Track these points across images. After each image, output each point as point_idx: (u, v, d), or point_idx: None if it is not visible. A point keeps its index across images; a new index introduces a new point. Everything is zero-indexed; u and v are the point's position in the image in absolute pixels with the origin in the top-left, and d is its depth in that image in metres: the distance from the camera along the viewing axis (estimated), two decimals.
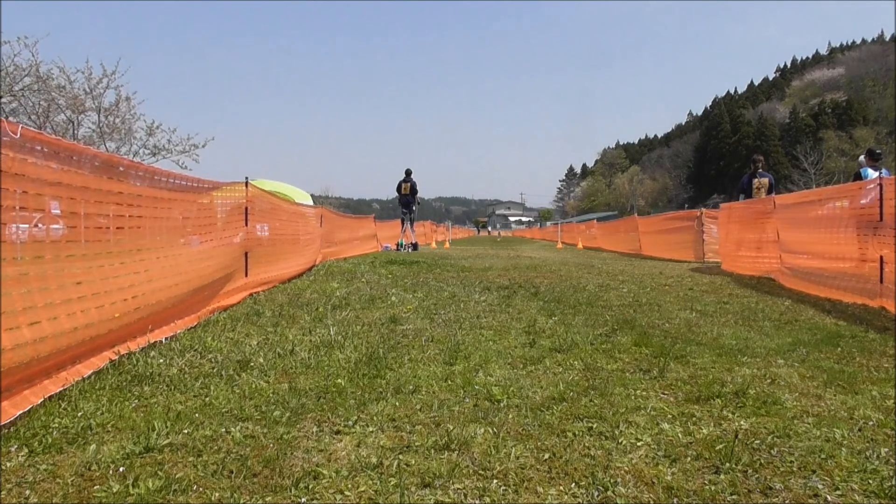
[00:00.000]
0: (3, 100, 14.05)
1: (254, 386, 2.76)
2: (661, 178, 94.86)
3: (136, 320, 3.37)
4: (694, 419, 2.31)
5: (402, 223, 15.65)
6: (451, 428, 2.18)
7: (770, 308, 5.25)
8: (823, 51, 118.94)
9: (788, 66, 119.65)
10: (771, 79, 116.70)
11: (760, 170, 10.44)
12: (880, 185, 5.36)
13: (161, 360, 3.16)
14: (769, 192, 10.13)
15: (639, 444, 2.06)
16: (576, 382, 2.83)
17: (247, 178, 6.02)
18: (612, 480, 1.77)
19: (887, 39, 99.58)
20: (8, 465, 1.89)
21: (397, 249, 15.71)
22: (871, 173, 8.02)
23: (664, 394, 2.68)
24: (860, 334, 4.00)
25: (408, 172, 15.20)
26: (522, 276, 7.97)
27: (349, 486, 1.75)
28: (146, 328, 3.52)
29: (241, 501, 1.66)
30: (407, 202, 15.06)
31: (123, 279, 3.25)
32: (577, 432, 2.17)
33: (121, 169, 3.46)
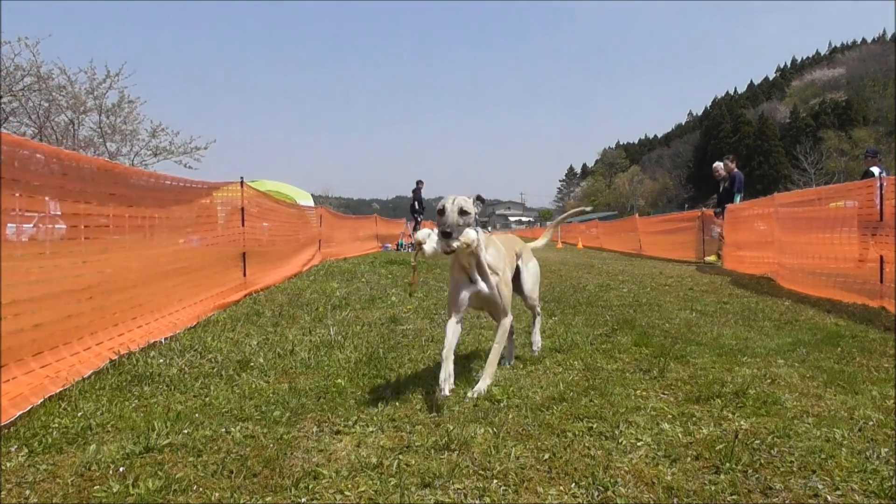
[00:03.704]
0: (4, 100, 14.04)
1: (254, 386, 2.76)
2: (661, 178, 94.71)
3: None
4: (694, 419, 2.31)
5: (415, 227, 16.58)
6: (451, 428, 2.18)
7: (770, 308, 5.24)
8: (823, 51, 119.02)
9: (788, 66, 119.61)
10: (771, 79, 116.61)
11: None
12: (880, 184, 5.36)
13: (161, 360, 3.16)
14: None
15: (639, 444, 2.06)
16: (576, 382, 2.83)
17: (241, 177, 6.02)
18: (612, 480, 1.76)
19: (888, 39, 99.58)
20: (8, 465, 1.89)
21: (397, 249, 15.75)
22: (877, 172, 8.13)
23: (664, 394, 2.68)
24: (860, 334, 4.00)
25: (416, 183, 16.80)
26: None
27: (349, 486, 1.75)
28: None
29: (241, 501, 1.66)
30: (412, 210, 17.19)
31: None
32: (577, 432, 2.17)
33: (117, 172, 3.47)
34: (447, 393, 2.42)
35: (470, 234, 2.49)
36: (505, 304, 2.75)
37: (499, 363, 2.87)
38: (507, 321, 2.79)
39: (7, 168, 2.57)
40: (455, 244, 2.45)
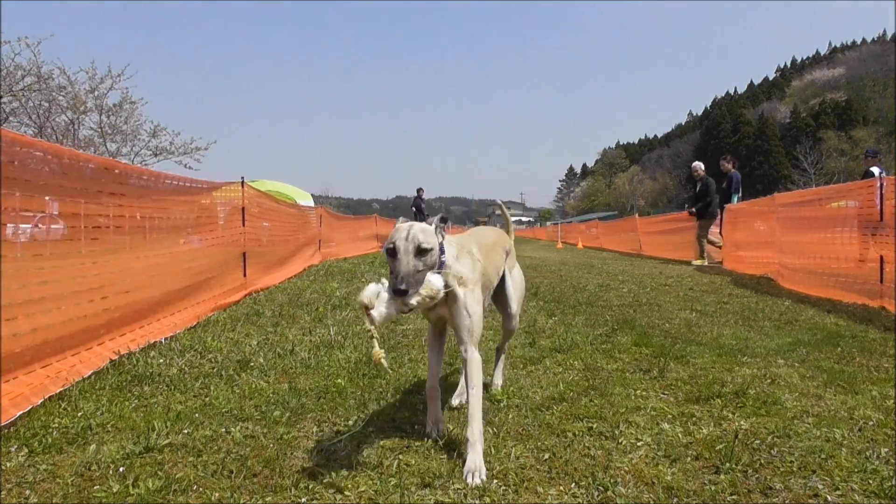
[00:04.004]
0: (4, 100, 14.03)
1: (254, 386, 2.76)
2: (661, 178, 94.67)
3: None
4: (694, 419, 2.31)
5: None
6: (451, 428, 2.18)
7: (770, 308, 5.24)
8: (823, 51, 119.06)
9: (788, 66, 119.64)
10: (771, 79, 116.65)
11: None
12: (880, 184, 5.36)
13: (161, 360, 3.16)
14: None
15: (639, 444, 2.06)
16: (576, 382, 2.83)
17: (242, 177, 6.02)
18: (612, 480, 1.76)
19: (888, 39, 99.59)
20: (8, 465, 1.89)
21: None
22: (877, 172, 8.17)
23: (664, 394, 2.68)
24: (860, 334, 4.00)
25: (417, 192, 17.09)
26: None
27: (349, 486, 1.75)
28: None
29: (241, 501, 1.66)
30: (414, 216, 17.79)
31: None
32: (577, 432, 2.17)
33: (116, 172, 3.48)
34: (437, 436, 2.09)
35: (434, 284, 1.83)
36: (473, 324, 2.01)
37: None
38: (475, 355, 2.01)
39: (8, 167, 2.57)
40: (414, 301, 1.80)
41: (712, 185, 11.05)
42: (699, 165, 11.62)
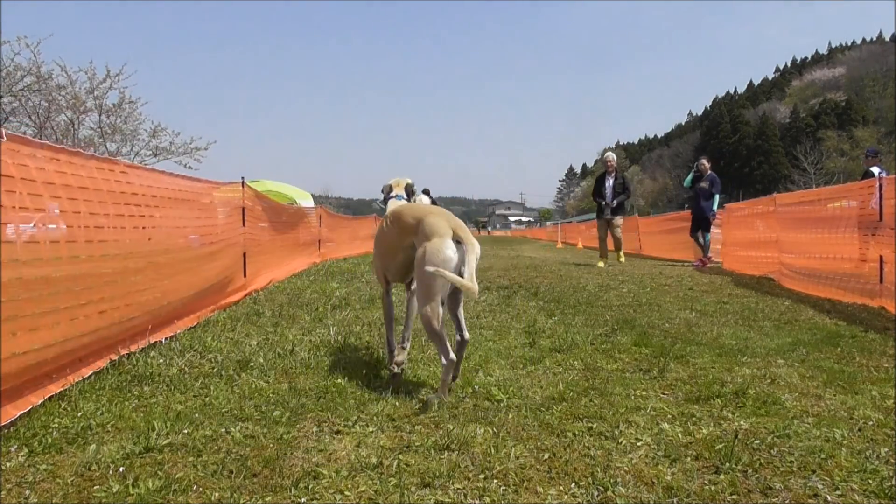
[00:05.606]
0: (4, 100, 14.02)
1: (254, 386, 2.76)
2: (661, 178, 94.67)
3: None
4: (694, 419, 2.31)
5: None
6: (451, 428, 2.18)
7: (770, 308, 5.24)
8: (823, 51, 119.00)
9: (788, 66, 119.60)
10: (771, 79, 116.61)
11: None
12: (880, 184, 5.36)
13: (161, 360, 3.16)
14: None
15: (639, 444, 2.06)
16: (576, 382, 2.83)
17: (242, 177, 6.02)
18: (612, 480, 1.77)
19: (887, 39, 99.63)
20: (8, 465, 1.89)
21: None
22: (877, 172, 8.18)
23: (664, 394, 2.68)
24: (860, 334, 4.00)
25: (424, 192, 17.47)
26: (522, 276, 7.97)
27: (349, 486, 1.75)
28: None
29: (241, 501, 1.66)
30: None
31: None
32: (577, 432, 2.17)
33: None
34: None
35: None
36: None
37: None
38: None
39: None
40: None
41: (629, 180, 10.97)
42: (612, 156, 11.08)
